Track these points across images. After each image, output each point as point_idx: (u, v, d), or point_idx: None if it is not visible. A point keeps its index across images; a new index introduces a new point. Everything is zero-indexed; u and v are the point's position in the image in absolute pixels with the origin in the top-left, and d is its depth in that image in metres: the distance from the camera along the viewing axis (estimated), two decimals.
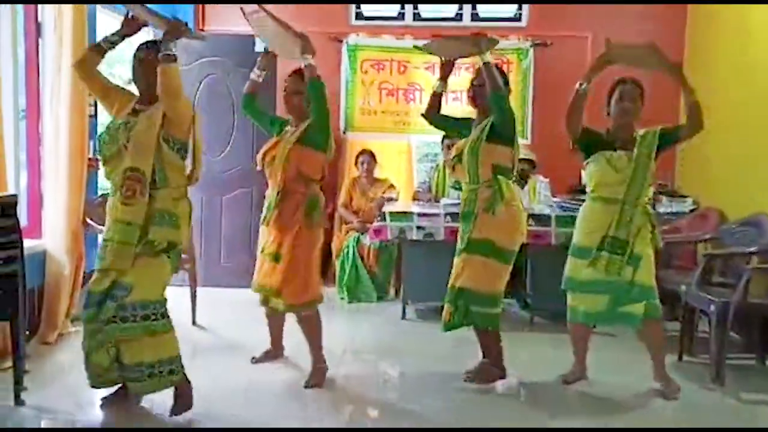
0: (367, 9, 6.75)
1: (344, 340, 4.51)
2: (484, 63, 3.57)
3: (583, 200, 5.03)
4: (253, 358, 4.00)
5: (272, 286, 3.63)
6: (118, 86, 3.18)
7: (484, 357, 3.86)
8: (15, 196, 3.40)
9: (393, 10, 6.73)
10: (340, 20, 6.65)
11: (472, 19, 6.66)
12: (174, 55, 2.98)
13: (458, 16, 6.69)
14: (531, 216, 4.91)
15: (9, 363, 3.41)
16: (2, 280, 3.13)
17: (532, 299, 5.16)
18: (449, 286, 3.76)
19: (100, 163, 3.14)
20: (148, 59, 3.04)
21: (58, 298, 4.35)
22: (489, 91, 3.56)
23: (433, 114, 3.93)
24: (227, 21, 6.60)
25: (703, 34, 6.05)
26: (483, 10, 6.68)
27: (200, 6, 6.70)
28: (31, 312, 4.21)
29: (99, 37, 3.47)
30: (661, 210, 5.56)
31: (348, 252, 5.81)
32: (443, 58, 3.91)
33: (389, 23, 6.70)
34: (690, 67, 6.14)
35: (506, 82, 3.73)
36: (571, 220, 4.80)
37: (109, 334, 3.00)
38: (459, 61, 6.44)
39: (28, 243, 3.57)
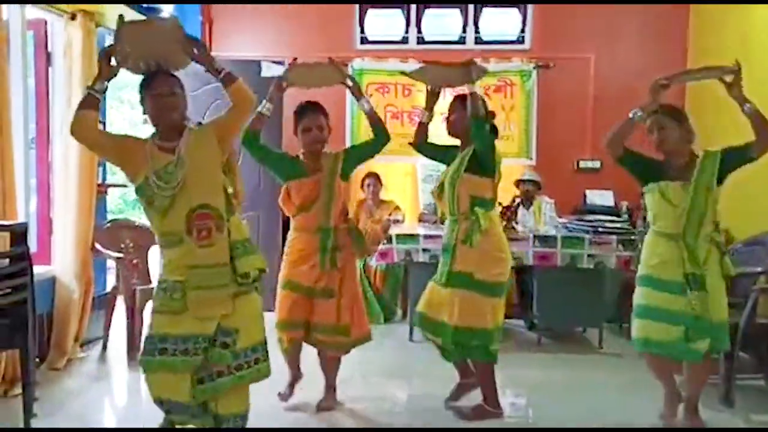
0: (372, 34, 6.82)
1: (352, 362, 4.48)
2: (471, 93, 3.48)
3: (589, 221, 5.11)
4: (280, 394, 3.78)
5: (335, 323, 3.55)
6: (126, 136, 2.80)
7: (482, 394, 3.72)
8: (25, 224, 3.44)
9: (397, 34, 6.80)
10: (346, 45, 6.73)
11: (476, 42, 6.73)
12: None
13: (462, 39, 6.76)
14: (536, 237, 4.93)
15: (19, 390, 3.43)
16: (12, 308, 3.15)
17: (539, 320, 5.16)
18: (441, 323, 3.59)
19: (155, 218, 2.70)
20: (178, 90, 2.71)
21: (68, 324, 4.37)
22: (470, 119, 3.46)
23: (421, 143, 3.80)
24: (234, 46, 6.70)
25: (704, 53, 6.09)
26: (486, 33, 6.75)
27: (208, 31, 6.78)
28: (40, 338, 4.23)
29: None
30: None
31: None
32: (429, 87, 3.80)
33: (394, 47, 6.78)
34: (692, 91, 6.21)
35: (489, 114, 3.64)
36: (577, 240, 4.86)
37: (222, 386, 2.70)
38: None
39: (37, 269, 3.60)
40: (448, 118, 3.68)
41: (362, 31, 6.82)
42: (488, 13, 6.76)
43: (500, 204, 5.38)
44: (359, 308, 3.67)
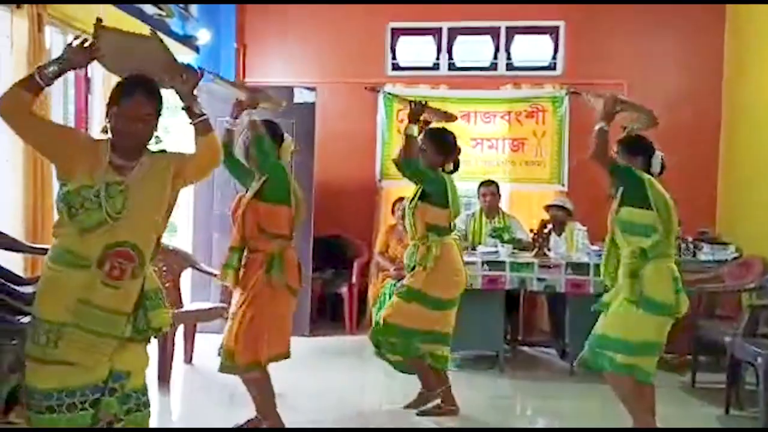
0: (403, 60, 6.87)
1: (381, 390, 4.49)
2: (407, 135, 3.85)
3: None
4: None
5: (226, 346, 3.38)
6: (78, 130, 2.61)
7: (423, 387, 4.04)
8: None
9: (429, 60, 6.84)
10: (377, 70, 6.78)
11: (507, 68, 6.73)
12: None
13: (493, 65, 6.76)
14: (569, 264, 4.87)
15: None
16: None
17: (572, 348, 5.07)
18: (381, 320, 3.96)
19: (68, 230, 2.29)
20: (153, 112, 2.36)
21: None
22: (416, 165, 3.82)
23: (407, 160, 3.83)
24: (267, 72, 6.80)
25: (739, 83, 6.02)
26: (518, 59, 6.75)
27: (242, 56, 6.90)
28: None
29: None
30: (702, 258, 5.48)
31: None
32: (413, 105, 3.96)
33: (424, 73, 6.81)
34: (728, 115, 6.13)
35: (455, 150, 4.00)
36: None
37: None
38: (493, 109, 6.64)
39: None
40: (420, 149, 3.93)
41: (394, 57, 6.87)
42: (520, 39, 6.76)
43: (531, 230, 5.36)
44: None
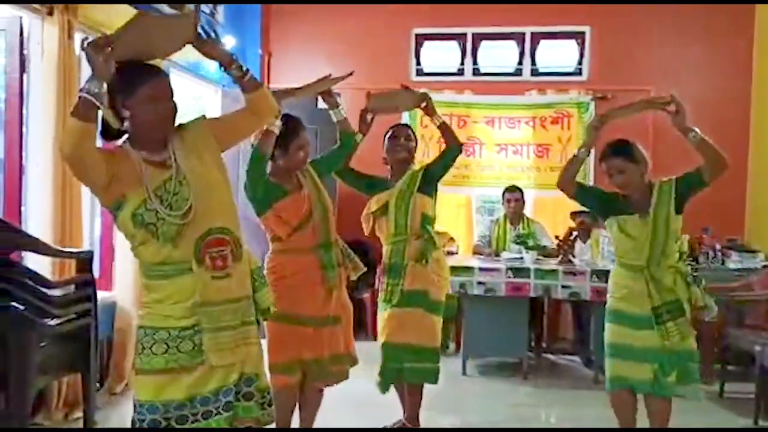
0: (428, 65, 6.88)
1: None
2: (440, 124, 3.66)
3: None
4: None
5: (346, 352, 3.28)
6: (106, 148, 2.18)
7: (405, 412, 3.74)
8: (91, 252, 3.55)
9: (453, 66, 6.84)
10: (401, 76, 6.78)
11: (532, 74, 6.71)
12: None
13: (518, 71, 6.74)
14: (594, 272, 4.83)
15: (78, 413, 3.50)
16: (77, 333, 3.25)
17: (597, 356, 5.03)
18: (383, 343, 3.57)
19: (154, 249, 2.08)
20: (171, 92, 2.16)
21: (126, 349, 4.46)
22: (451, 143, 3.62)
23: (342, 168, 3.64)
24: (292, 78, 6.81)
25: None
26: (543, 64, 6.72)
27: (267, 63, 6.95)
28: (100, 362, 4.33)
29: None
30: (731, 266, 5.41)
31: None
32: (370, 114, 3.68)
33: (449, 78, 6.81)
34: (757, 121, 6.04)
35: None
36: None
37: None
38: (518, 114, 6.62)
39: (99, 295, 3.70)
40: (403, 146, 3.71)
41: (418, 63, 6.88)
42: (545, 45, 6.73)
43: (556, 237, 5.32)
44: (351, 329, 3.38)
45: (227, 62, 2.25)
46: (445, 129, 3.64)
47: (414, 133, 3.78)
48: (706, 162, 3.05)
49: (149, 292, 2.13)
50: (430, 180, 3.63)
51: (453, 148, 3.62)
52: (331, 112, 3.43)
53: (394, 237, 3.59)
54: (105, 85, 1.94)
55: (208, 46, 2.23)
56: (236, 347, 2.14)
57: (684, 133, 3.06)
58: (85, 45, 1.96)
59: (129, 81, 2.06)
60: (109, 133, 2.13)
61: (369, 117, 3.60)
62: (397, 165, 3.68)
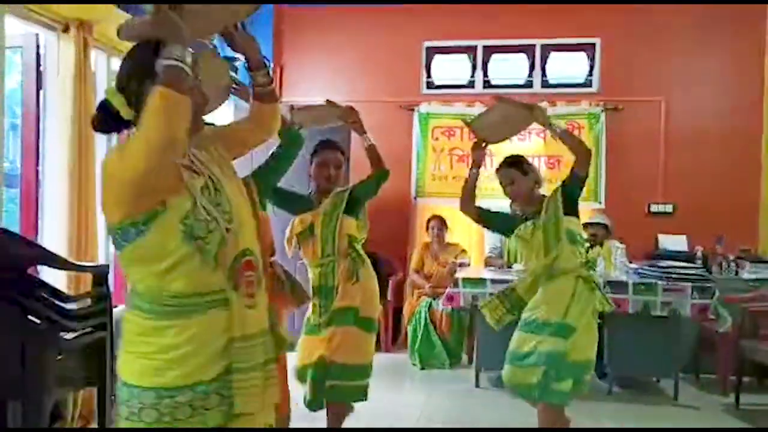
0: (438, 78, 6.91)
1: (417, 407, 4.47)
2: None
3: (662, 266, 4.98)
4: None
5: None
6: None
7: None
8: (107, 266, 3.58)
9: (464, 78, 6.87)
10: (412, 90, 6.83)
11: (543, 86, 6.73)
12: None
13: (528, 83, 6.76)
14: (607, 283, 4.82)
15: (94, 426, 3.51)
16: (93, 347, 3.27)
17: (610, 368, 5.01)
18: (309, 363, 3.37)
19: (196, 271, 1.69)
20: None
21: None
22: (378, 168, 3.50)
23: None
24: (303, 91, 6.88)
25: None
26: (553, 76, 6.74)
27: (279, 76, 7.00)
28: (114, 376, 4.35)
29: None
30: (745, 276, 5.38)
31: (420, 317, 5.81)
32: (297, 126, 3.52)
33: (460, 91, 6.84)
34: None
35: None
36: (650, 287, 4.74)
37: None
38: (530, 126, 6.62)
39: (115, 309, 3.72)
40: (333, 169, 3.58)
41: (428, 76, 6.91)
42: (555, 57, 6.75)
43: None
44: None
45: (258, 63, 2.02)
46: (373, 152, 3.55)
47: (344, 156, 3.59)
48: (573, 153, 3.21)
49: (163, 337, 1.67)
50: (355, 203, 3.51)
51: (381, 173, 3.53)
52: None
53: (322, 259, 3.48)
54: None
55: (248, 37, 2.00)
56: (264, 389, 1.79)
57: (545, 126, 3.26)
58: (152, 7, 1.67)
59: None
60: (106, 125, 1.77)
61: (296, 129, 3.36)
62: (324, 185, 3.55)
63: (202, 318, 1.69)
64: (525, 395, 3.25)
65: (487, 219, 3.50)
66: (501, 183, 3.35)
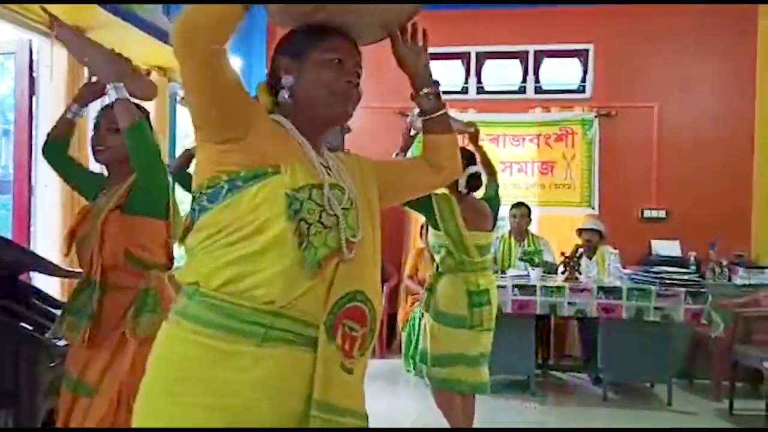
0: None
1: (411, 414, 4.46)
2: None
3: (655, 272, 4.99)
4: None
5: None
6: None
7: None
8: None
9: (457, 84, 6.88)
10: (406, 95, 6.80)
11: (536, 92, 6.74)
12: None
13: (521, 89, 6.78)
14: (600, 288, 4.83)
15: None
16: None
17: (604, 374, 5.01)
18: None
19: (277, 264, 1.28)
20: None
21: None
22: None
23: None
24: None
25: None
26: (546, 82, 6.76)
27: None
28: None
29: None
30: (738, 282, 5.41)
31: (414, 323, 5.80)
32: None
33: (453, 97, 6.84)
34: (761, 137, 6.06)
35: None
36: (643, 292, 4.75)
37: None
38: (522, 132, 6.65)
39: None
40: None
41: None
42: (548, 63, 6.78)
43: (562, 254, 5.32)
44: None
45: (426, 79, 1.63)
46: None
47: None
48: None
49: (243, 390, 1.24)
50: None
51: None
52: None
53: None
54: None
55: (417, 48, 1.62)
56: None
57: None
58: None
59: (311, 34, 1.44)
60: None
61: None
62: None
63: (284, 350, 1.26)
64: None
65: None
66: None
